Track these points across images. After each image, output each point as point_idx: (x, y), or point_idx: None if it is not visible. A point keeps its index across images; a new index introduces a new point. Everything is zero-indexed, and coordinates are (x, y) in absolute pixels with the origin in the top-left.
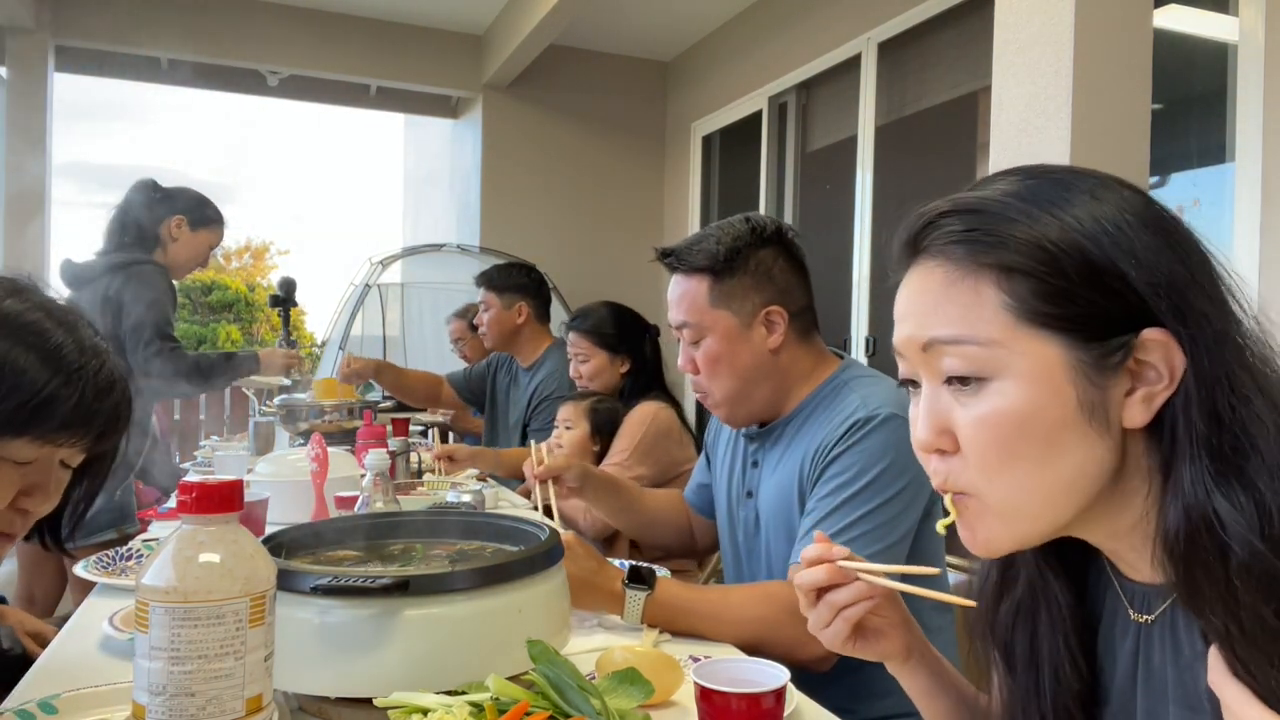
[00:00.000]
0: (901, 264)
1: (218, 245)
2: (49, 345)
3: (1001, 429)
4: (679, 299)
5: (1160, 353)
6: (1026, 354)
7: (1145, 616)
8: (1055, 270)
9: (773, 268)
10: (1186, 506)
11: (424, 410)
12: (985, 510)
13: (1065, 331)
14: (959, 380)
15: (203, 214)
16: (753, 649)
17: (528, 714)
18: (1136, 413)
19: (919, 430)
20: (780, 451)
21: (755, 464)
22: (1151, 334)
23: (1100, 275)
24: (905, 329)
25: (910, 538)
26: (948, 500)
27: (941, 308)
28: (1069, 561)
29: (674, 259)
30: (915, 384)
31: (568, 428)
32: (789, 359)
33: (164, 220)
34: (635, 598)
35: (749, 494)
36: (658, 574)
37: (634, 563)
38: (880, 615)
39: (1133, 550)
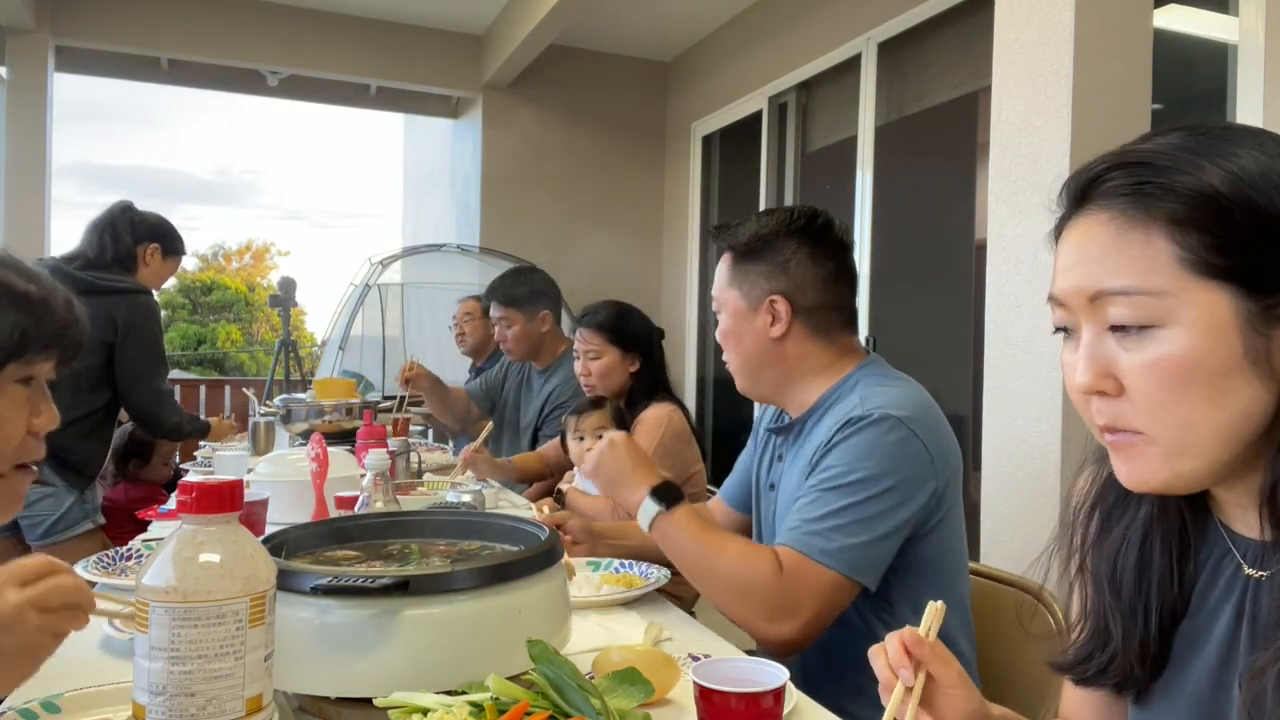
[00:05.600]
0: (1066, 216)
1: (172, 275)
2: (17, 289)
3: (1170, 373)
4: (716, 274)
5: None
6: (1195, 304)
7: (1260, 572)
8: (1226, 222)
9: (790, 260)
10: None
11: (422, 405)
12: (1150, 447)
13: (1234, 281)
14: (1125, 328)
15: (173, 245)
16: (728, 609)
17: (528, 714)
18: None
19: (1080, 374)
20: (798, 448)
21: (780, 458)
22: None
23: (1269, 226)
24: (1071, 279)
25: (896, 536)
26: (1103, 439)
27: (1111, 258)
28: (1188, 508)
29: (715, 235)
30: (1067, 331)
31: (599, 436)
32: (797, 352)
33: (142, 245)
34: (649, 509)
35: (772, 486)
36: (679, 506)
37: (668, 480)
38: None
39: (1254, 508)
